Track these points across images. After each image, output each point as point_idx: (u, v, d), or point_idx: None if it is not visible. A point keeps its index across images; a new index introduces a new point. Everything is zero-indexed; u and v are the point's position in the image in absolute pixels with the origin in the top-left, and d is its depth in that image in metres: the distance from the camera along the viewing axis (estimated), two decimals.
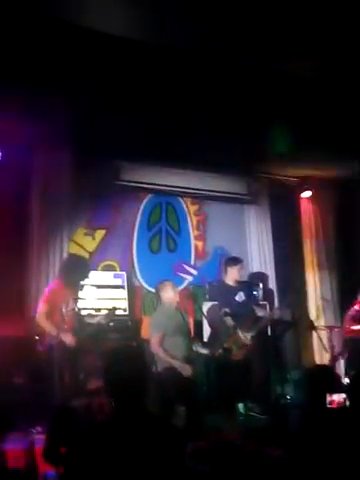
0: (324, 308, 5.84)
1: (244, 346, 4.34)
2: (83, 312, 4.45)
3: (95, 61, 3.74)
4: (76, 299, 4.07)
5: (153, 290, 5.54)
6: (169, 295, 4.10)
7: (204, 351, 4.14)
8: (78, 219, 5.43)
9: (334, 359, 5.15)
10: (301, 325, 4.71)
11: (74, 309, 3.98)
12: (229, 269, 4.75)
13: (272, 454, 2.15)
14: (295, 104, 4.43)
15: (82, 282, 4.25)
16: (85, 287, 4.93)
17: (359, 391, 2.13)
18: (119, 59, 3.73)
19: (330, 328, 5.39)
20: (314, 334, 4.69)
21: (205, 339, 4.33)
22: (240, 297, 4.61)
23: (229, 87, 4.19)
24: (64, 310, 3.90)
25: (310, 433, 2.06)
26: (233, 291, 4.63)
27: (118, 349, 2.09)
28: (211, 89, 4.21)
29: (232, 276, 4.71)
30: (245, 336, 4.35)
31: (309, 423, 2.23)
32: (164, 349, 3.89)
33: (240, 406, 4.26)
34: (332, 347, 5.18)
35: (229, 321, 4.39)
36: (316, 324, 4.86)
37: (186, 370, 3.81)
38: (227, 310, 4.42)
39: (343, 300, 5.80)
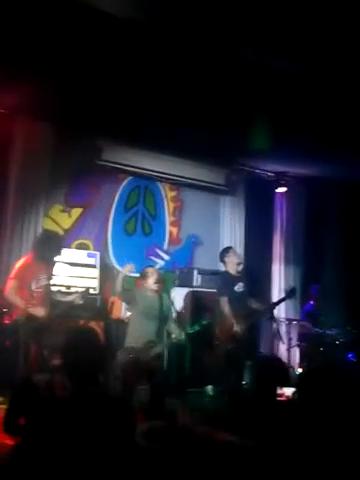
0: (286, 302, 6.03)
1: (233, 336, 4.42)
2: (54, 289, 4.49)
3: (82, 38, 3.70)
4: (48, 276, 4.07)
5: (126, 271, 5.65)
6: (150, 281, 4.16)
7: (178, 335, 4.21)
8: (55, 195, 5.42)
9: (290, 351, 5.36)
10: (264, 316, 4.88)
11: (45, 285, 3.99)
12: (227, 259, 4.78)
13: (221, 439, 2.27)
14: (279, 100, 4.50)
15: (54, 259, 4.25)
16: (58, 264, 4.96)
17: (307, 387, 2.21)
18: (106, 37, 3.69)
19: (289, 321, 5.59)
20: (273, 325, 4.87)
21: (173, 323, 4.44)
22: (239, 287, 4.67)
23: (217, 77, 4.23)
24: (34, 286, 3.91)
25: (258, 424, 2.18)
26: (233, 281, 4.68)
27: (76, 329, 2.17)
28: (199, 78, 4.24)
29: (232, 263, 4.73)
30: (239, 327, 4.43)
31: (257, 414, 2.34)
32: (135, 329, 3.98)
33: (209, 388, 4.40)
34: (289, 339, 5.38)
35: (226, 310, 4.46)
36: (276, 316, 5.04)
37: (153, 352, 3.92)
38: (226, 299, 4.48)
39: (304, 295, 6.01)
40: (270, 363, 2.66)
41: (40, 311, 3.85)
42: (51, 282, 4.11)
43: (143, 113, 4.78)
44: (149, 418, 3.09)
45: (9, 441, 2.42)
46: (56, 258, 4.16)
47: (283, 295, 5.21)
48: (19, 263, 4.11)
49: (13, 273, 3.98)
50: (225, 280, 4.74)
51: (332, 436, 1.86)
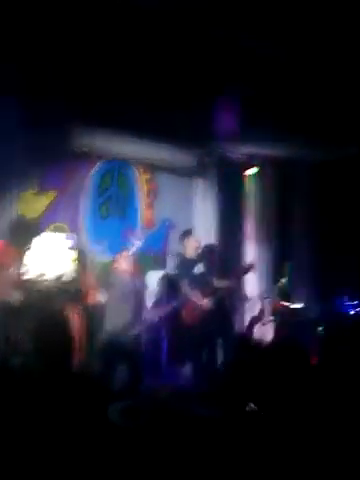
0: (259, 280, 6.22)
1: (198, 316, 4.57)
2: (31, 273, 4.50)
3: (52, 15, 3.65)
4: (23, 261, 4.09)
5: (100, 255, 5.71)
6: (125, 264, 4.24)
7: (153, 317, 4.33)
8: (28, 179, 5.39)
9: (263, 328, 5.57)
10: (237, 295, 5.06)
11: (21, 271, 4.02)
12: (186, 241, 4.92)
13: (198, 413, 2.40)
14: (249, 80, 4.56)
15: (29, 244, 4.25)
16: (34, 249, 4.97)
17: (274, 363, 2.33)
18: (76, 14, 3.66)
19: (263, 298, 5.79)
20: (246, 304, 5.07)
21: (149, 305, 4.56)
22: (198, 269, 4.79)
23: (187, 57, 4.25)
24: (10, 271, 3.94)
25: (233, 398, 2.31)
26: (191, 263, 4.80)
27: (47, 312, 2.22)
28: (170, 57, 4.24)
29: (190, 248, 4.87)
30: (203, 307, 4.58)
31: (231, 388, 2.46)
32: (112, 312, 4.07)
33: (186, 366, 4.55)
34: (262, 316, 5.58)
35: (187, 292, 4.61)
36: (248, 294, 5.23)
37: (130, 333, 4.00)
38: (185, 281, 4.62)
39: (276, 273, 6.21)
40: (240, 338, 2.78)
41: (17, 296, 3.87)
42: (28, 267, 4.13)
43: (115, 96, 4.76)
44: (128, 397, 3.21)
45: None
46: (31, 244, 4.16)
47: (255, 274, 5.39)
48: None
49: None
50: (182, 264, 4.88)
51: (301, 403, 1.99)
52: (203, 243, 5.94)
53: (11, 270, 3.98)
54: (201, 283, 4.73)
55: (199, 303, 4.59)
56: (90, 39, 3.93)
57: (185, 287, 4.68)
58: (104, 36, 3.88)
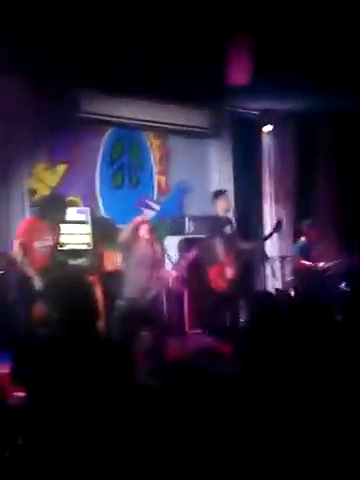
0: (279, 239, 6.11)
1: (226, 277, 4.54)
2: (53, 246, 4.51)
3: None
4: (52, 237, 4.09)
5: (117, 225, 5.66)
6: (141, 231, 4.22)
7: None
8: (38, 153, 5.31)
9: (285, 287, 5.49)
10: (254, 255, 4.99)
11: (49, 246, 4.04)
12: (217, 201, 4.87)
13: (222, 372, 2.36)
14: (259, 31, 4.33)
15: (60, 221, 4.25)
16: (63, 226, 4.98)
17: (297, 319, 2.27)
18: None
19: (283, 258, 5.69)
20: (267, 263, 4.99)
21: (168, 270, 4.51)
22: (228, 230, 4.76)
23: (194, 12, 4.05)
24: (38, 245, 3.97)
25: (256, 357, 2.26)
26: (222, 223, 4.78)
27: (68, 281, 2.23)
28: (176, 15, 4.06)
29: (221, 207, 4.83)
30: (231, 268, 4.55)
31: (255, 347, 2.41)
32: (131, 279, 4.05)
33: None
34: (283, 276, 5.50)
35: (220, 251, 4.57)
36: (269, 254, 5.15)
37: (149, 295, 4.01)
38: (219, 240, 4.59)
39: (296, 231, 6.07)
40: (264, 299, 2.73)
41: (44, 270, 3.89)
42: (56, 244, 4.18)
43: (120, 59, 4.60)
44: (153, 359, 3.21)
45: (17, 391, 2.52)
46: (61, 221, 4.22)
47: (271, 234, 5.30)
48: (23, 224, 4.22)
49: (18, 233, 4.07)
50: (215, 223, 4.81)
51: (324, 364, 1.94)
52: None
53: (40, 244, 3.99)
54: (229, 244, 4.68)
55: (228, 264, 4.54)
56: (95, 1, 3.77)
57: (218, 246, 4.61)
58: None
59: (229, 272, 4.55)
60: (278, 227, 5.11)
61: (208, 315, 4.60)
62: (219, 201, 4.85)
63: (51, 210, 4.09)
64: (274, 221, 5.63)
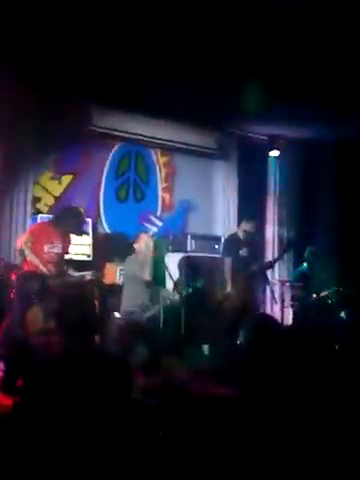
0: (278, 263, 6.10)
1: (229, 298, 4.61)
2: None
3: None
4: (62, 245, 4.11)
5: (119, 238, 5.65)
6: (142, 246, 4.21)
7: (172, 297, 4.30)
8: (45, 162, 5.33)
9: (283, 312, 5.45)
10: (257, 278, 4.98)
11: (57, 253, 4.06)
12: (243, 223, 5.04)
13: (217, 394, 2.32)
14: (272, 59, 4.39)
15: (73, 233, 4.28)
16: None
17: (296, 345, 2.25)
18: None
19: (283, 282, 5.66)
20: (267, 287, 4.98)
21: (168, 287, 4.50)
22: (243, 252, 4.84)
23: (207, 37, 4.11)
24: (47, 248, 4.00)
25: (253, 379, 2.23)
26: (239, 245, 4.87)
27: (70, 291, 2.22)
28: (189, 38, 4.12)
29: (241, 231, 4.98)
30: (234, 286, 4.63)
31: (252, 370, 2.38)
32: (130, 293, 4.03)
33: (205, 348, 4.50)
34: (282, 301, 5.46)
35: (227, 271, 4.69)
36: (270, 278, 5.15)
37: (148, 313, 3.99)
38: (229, 260, 4.73)
39: (297, 257, 6.06)
40: (262, 321, 2.69)
41: (48, 271, 3.93)
42: (64, 254, 4.21)
43: (133, 76, 4.66)
44: (147, 376, 3.14)
45: (8, 401, 2.46)
46: (75, 233, 4.27)
47: (281, 255, 5.32)
48: (36, 225, 4.39)
49: (29, 230, 4.21)
50: (230, 243, 4.92)
51: (323, 388, 1.92)
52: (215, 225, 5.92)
53: (49, 248, 4.03)
54: (243, 266, 4.77)
55: (234, 286, 4.57)
56: (107, 17, 3.82)
57: (227, 266, 4.72)
58: (122, 13, 3.77)
59: (236, 293, 4.58)
60: (288, 248, 5.17)
61: (209, 334, 4.56)
62: (242, 224, 4.99)
63: (66, 219, 4.14)
64: (284, 242, 5.66)
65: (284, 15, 3.91)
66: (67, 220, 4.13)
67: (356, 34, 4.13)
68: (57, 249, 4.08)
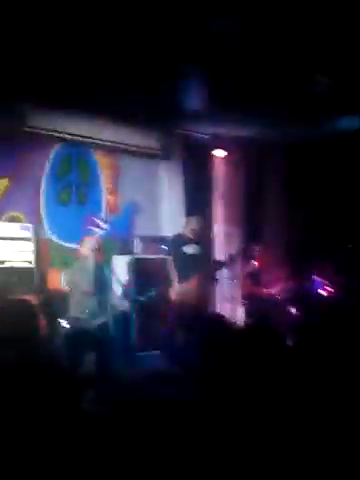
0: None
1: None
2: None
3: None
4: None
5: (62, 243, 5.43)
6: (85, 251, 4.06)
7: (122, 305, 4.20)
8: None
9: (235, 310, 5.46)
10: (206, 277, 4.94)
11: None
12: (190, 219, 4.99)
13: (170, 399, 2.24)
14: (215, 55, 4.36)
15: None
16: None
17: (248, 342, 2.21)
18: None
19: (232, 280, 5.67)
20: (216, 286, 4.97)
21: (116, 293, 4.36)
22: (189, 249, 4.73)
23: (148, 31, 4.01)
24: None
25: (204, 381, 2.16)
26: (184, 242, 4.75)
27: (9, 302, 2.14)
28: (129, 31, 4.00)
29: (191, 227, 4.89)
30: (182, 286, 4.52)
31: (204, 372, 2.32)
32: (77, 300, 3.86)
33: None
34: (233, 299, 5.47)
35: (171, 271, 4.57)
36: (218, 277, 5.16)
37: (97, 321, 3.84)
38: (171, 259, 4.61)
39: (246, 255, 6.10)
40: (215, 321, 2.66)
41: None
42: None
43: (70, 74, 4.47)
44: (97, 384, 3.00)
45: None
46: None
47: (225, 259, 5.32)
48: None
49: None
50: (176, 242, 4.81)
51: (277, 386, 1.88)
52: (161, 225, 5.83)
53: None
54: (189, 264, 4.66)
55: (180, 285, 4.47)
56: (46, 12, 3.63)
57: (170, 265, 4.62)
58: (62, 7, 3.59)
59: (187, 292, 4.49)
60: (231, 261, 5.20)
61: (164, 336, 4.46)
62: (190, 219, 4.92)
63: None
64: (228, 255, 5.64)
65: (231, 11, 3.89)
66: None
67: (303, 30, 4.18)
68: None
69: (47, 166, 5.51)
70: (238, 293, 5.63)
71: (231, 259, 5.25)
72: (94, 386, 2.63)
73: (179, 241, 4.77)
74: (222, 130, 6.12)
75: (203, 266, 4.79)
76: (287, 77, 4.77)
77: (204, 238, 5.51)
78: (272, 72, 4.69)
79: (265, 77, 4.75)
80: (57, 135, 5.34)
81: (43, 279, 4.96)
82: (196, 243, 4.82)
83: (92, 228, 5.60)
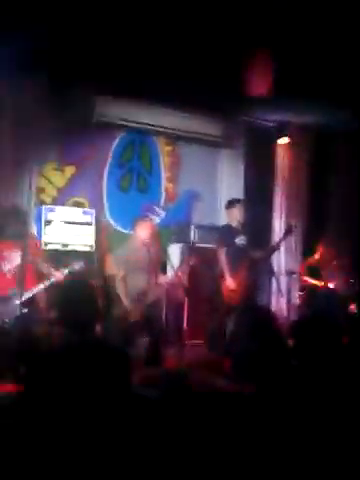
0: (286, 254, 5.96)
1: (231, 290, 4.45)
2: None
3: None
4: (21, 252, 3.59)
5: (122, 229, 5.58)
6: (142, 233, 4.09)
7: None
8: (48, 153, 5.24)
9: (290, 304, 5.33)
10: (262, 269, 4.85)
11: (19, 264, 3.60)
12: (232, 209, 4.77)
13: (218, 386, 2.25)
14: (280, 41, 4.24)
15: (23, 233, 3.75)
16: (53, 223, 4.89)
17: (300, 335, 2.19)
18: None
19: (290, 273, 5.53)
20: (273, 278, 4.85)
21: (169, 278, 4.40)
22: (240, 240, 4.63)
23: (212, 19, 3.98)
24: (6, 267, 3.67)
25: (254, 372, 2.14)
26: (234, 233, 4.66)
27: (71, 282, 2.21)
28: (193, 21, 3.99)
29: (235, 217, 4.72)
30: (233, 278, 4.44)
31: (253, 362, 2.30)
32: (127, 285, 3.93)
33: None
34: (289, 292, 5.33)
35: (223, 262, 4.46)
36: (275, 269, 5.01)
37: (147, 300, 3.92)
38: (223, 250, 4.49)
39: (304, 248, 5.93)
40: (257, 313, 2.62)
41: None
42: (29, 257, 3.70)
43: (137, 64, 4.54)
44: (148, 367, 3.08)
45: (12, 388, 2.43)
46: (25, 232, 3.83)
47: (282, 240, 5.13)
48: None
49: None
50: (225, 232, 4.69)
51: (327, 381, 1.86)
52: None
53: (8, 265, 3.73)
54: (240, 255, 4.55)
55: (236, 275, 4.39)
56: (111, 6, 3.71)
57: (221, 256, 4.50)
58: (125, 2, 3.65)
59: (236, 283, 4.40)
60: (288, 233, 4.98)
61: (211, 327, 4.47)
62: (234, 210, 4.74)
63: (7, 226, 3.73)
64: (284, 228, 5.46)
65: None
66: (7, 224, 3.70)
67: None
68: (15, 260, 3.66)
69: (110, 153, 5.65)
70: (295, 287, 5.48)
71: (287, 233, 5.00)
72: (145, 369, 2.70)
73: (229, 233, 4.66)
74: (287, 117, 5.94)
75: (255, 258, 4.65)
76: (355, 63, 4.55)
77: (258, 227, 5.39)
78: (338, 58, 4.49)
79: (332, 63, 4.56)
80: (122, 123, 5.46)
81: (102, 263, 5.13)
82: (243, 233, 4.71)
83: (149, 214, 5.70)
